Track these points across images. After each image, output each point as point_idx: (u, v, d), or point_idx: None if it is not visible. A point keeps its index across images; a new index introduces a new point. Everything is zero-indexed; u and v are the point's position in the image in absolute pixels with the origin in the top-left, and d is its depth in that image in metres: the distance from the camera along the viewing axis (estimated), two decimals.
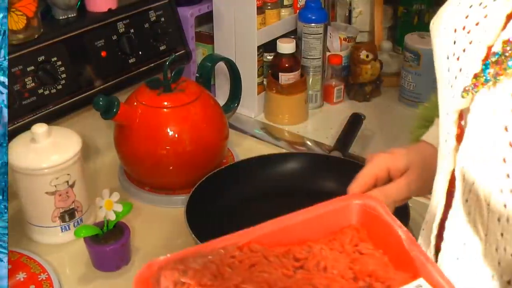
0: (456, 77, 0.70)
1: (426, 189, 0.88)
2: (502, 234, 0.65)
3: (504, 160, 0.62)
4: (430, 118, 1.05)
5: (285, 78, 1.63)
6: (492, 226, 0.66)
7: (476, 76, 0.66)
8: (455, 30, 0.71)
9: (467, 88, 0.67)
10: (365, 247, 0.66)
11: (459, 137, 0.71)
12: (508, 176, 0.62)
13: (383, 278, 0.62)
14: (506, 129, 0.61)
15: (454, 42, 0.71)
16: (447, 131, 0.73)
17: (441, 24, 0.75)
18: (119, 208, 1.13)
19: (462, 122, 0.71)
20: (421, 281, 0.59)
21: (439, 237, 0.77)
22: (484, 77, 0.65)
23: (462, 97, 0.68)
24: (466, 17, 0.70)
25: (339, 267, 0.63)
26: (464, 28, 0.70)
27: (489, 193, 0.65)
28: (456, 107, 0.70)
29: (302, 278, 0.61)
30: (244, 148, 1.52)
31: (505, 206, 0.63)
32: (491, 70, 0.64)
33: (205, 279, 0.60)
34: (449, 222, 0.73)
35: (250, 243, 0.65)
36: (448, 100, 0.73)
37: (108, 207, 1.12)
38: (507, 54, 0.62)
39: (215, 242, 0.65)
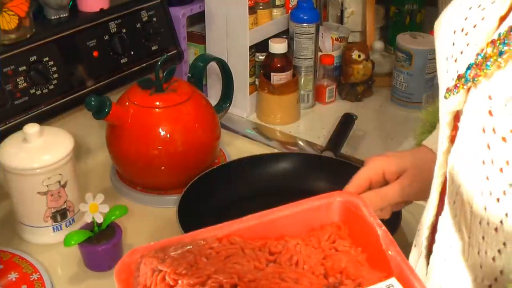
0: (453, 79, 0.70)
1: (423, 193, 0.87)
2: (483, 237, 0.65)
3: (483, 162, 0.61)
4: (433, 123, 1.05)
5: (277, 78, 1.63)
6: (474, 228, 0.66)
7: (459, 77, 0.66)
8: (454, 32, 0.71)
9: (449, 89, 0.68)
10: (341, 245, 0.66)
11: (453, 139, 0.71)
12: (487, 178, 0.61)
13: (354, 276, 0.62)
14: (483, 130, 0.61)
15: (453, 44, 0.71)
16: (442, 133, 0.74)
17: (442, 26, 0.75)
18: (105, 209, 1.13)
19: (459, 124, 0.70)
20: (392, 280, 0.59)
21: (432, 239, 0.77)
22: (465, 78, 0.65)
23: (445, 97, 0.69)
24: (465, 19, 0.70)
25: (311, 262, 0.64)
26: (462, 30, 0.69)
27: (471, 195, 0.64)
28: (448, 109, 0.70)
29: (272, 272, 0.62)
30: (236, 148, 1.53)
31: (485, 208, 0.63)
32: (471, 71, 0.64)
33: (181, 268, 0.61)
34: (440, 224, 0.74)
35: (230, 235, 0.66)
36: (444, 101, 0.72)
37: (93, 211, 1.12)
38: (487, 55, 0.62)
39: (197, 233, 0.66)
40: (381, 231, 0.63)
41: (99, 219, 1.12)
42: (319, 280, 0.62)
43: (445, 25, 0.74)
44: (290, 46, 1.67)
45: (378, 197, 0.94)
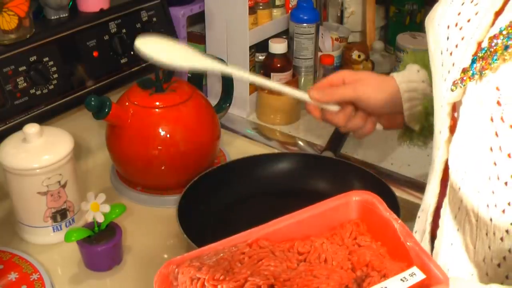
0: (449, 71, 0.74)
1: (376, 95, 1.04)
2: (491, 219, 0.68)
3: (491, 149, 0.65)
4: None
5: (277, 78, 1.63)
6: (482, 212, 0.69)
7: (464, 71, 0.70)
8: (448, 27, 0.74)
9: (455, 82, 0.71)
10: (363, 240, 0.71)
11: (452, 128, 0.74)
12: (495, 164, 0.65)
13: (379, 267, 0.66)
14: (491, 119, 0.64)
15: (448, 38, 0.74)
16: (441, 123, 0.77)
17: (435, 21, 0.78)
18: (106, 208, 1.12)
19: (455, 114, 0.74)
20: (414, 269, 0.63)
21: (435, 224, 0.80)
22: (471, 72, 0.68)
23: (452, 90, 0.72)
24: (459, 14, 0.73)
25: (338, 258, 0.68)
26: (456, 24, 0.73)
27: (477, 181, 0.68)
28: (449, 100, 0.74)
29: (304, 270, 0.66)
30: (236, 148, 1.53)
31: (493, 192, 0.66)
32: (477, 65, 0.67)
33: (218, 274, 0.64)
34: (444, 209, 0.76)
35: (259, 240, 0.70)
36: (442, 93, 0.76)
37: (95, 210, 1.12)
38: (492, 49, 0.65)
39: (227, 241, 0.70)
40: (398, 224, 0.68)
41: (100, 219, 1.12)
42: (348, 274, 0.66)
43: (438, 21, 0.77)
44: (290, 46, 1.67)
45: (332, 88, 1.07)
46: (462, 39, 0.72)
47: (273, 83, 1.12)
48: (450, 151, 0.73)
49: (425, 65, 1.03)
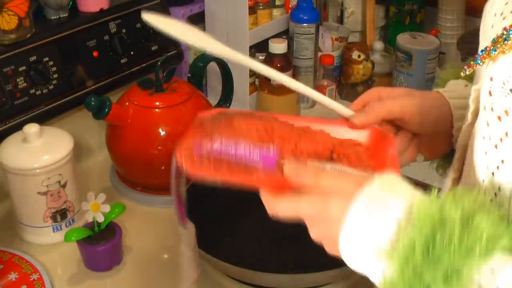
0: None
1: (423, 120, 0.88)
2: None
3: (483, 138, 0.66)
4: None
5: None
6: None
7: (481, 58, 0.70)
8: (495, 15, 0.73)
9: (465, 67, 0.73)
10: (353, 142, 0.80)
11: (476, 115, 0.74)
12: (486, 153, 0.65)
13: (355, 162, 0.75)
14: (484, 108, 0.66)
15: (492, 26, 0.73)
16: (469, 108, 0.77)
17: (487, 8, 0.77)
18: (106, 208, 1.13)
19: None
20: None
21: None
22: (477, 59, 0.70)
23: (462, 74, 0.74)
24: (506, 3, 0.71)
25: (325, 139, 0.79)
26: (501, 13, 0.71)
27: (476, 168, 0.68)
28: (475, 87, 0.73)
29: (297, 129, 0.79)
30: None
31: (483, 181, 0.66)
32: (484, 54, 0.69)
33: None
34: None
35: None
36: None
37: (95, 210, 1.12)
38: (497, 39, 0.67)
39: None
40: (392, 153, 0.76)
41: (100, 219, 1.12)
42: (325, 151, 0.76)
43: (489, 8, 0.76)
44: (290, 46, 1.67)
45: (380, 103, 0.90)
46: (503, 28, 0.70)
47: (297, 84, 0.89)
48: (471, 136, 0.74)
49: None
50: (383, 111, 0.86)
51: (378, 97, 0.90)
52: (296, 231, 0.74)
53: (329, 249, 0.68)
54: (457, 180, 0.79)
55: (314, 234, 0.69)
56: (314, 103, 1.77)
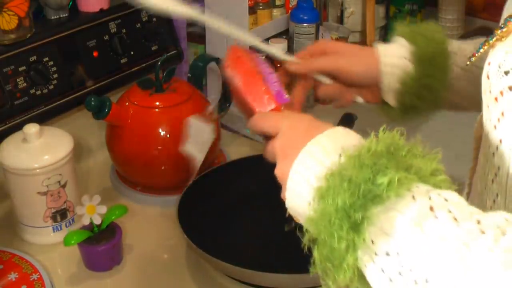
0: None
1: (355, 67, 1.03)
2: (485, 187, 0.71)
3: (485, 120, 0.68)
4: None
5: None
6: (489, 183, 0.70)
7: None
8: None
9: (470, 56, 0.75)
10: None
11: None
12: (488, 134, 0.67)
13: None
14: (484, 92, 0.68)
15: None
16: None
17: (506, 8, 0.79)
18: (103, 210, 1.12)
19: None
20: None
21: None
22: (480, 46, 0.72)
23: (468, 62, 0.76)
24: None
25: None
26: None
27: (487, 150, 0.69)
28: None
29: None
30: (236, 148, 1.52)
31: (487, 160, 0.69)
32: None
33: None
34: (474, 178, 0.79)
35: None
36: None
37: (91, 212, 1.12)
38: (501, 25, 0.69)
39: None
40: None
41: (97, 221, 1.12)
42: None
43: (507, 6, 0.77)
44: (290, 46, 1.67)
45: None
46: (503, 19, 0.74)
47: (253, 39, 1.11)
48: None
49: (415, 40, 1.03)
50: (317, 67, 1.04)
51: (323, 50, 1.05)
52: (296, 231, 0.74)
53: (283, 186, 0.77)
54: (474, 169, 0.81)
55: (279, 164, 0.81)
56: (314, 103, 1.77)
